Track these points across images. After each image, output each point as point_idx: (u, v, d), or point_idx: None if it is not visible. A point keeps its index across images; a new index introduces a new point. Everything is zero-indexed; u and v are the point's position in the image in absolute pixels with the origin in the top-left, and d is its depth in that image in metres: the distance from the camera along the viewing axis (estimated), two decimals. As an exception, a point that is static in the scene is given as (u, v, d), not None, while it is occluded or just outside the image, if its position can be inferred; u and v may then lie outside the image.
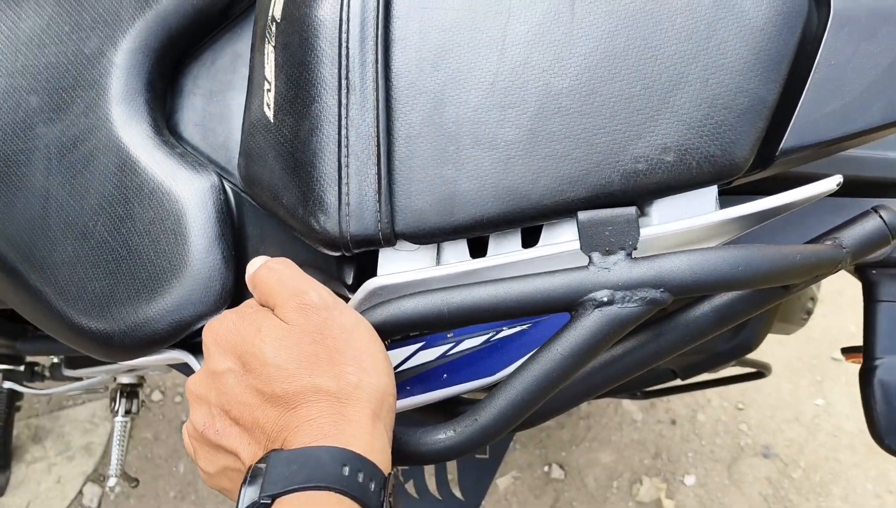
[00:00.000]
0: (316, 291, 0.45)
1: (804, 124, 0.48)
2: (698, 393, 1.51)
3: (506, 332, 0.56)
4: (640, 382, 0.93)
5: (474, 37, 0.51)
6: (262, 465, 0.39)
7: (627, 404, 1.51)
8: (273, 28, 0.56)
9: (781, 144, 0.48)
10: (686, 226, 0.48)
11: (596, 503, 1.41)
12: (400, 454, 0.48)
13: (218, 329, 0.45)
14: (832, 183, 0.48)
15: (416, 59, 0.51)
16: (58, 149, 0.59)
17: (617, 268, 0.46)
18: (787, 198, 0.48)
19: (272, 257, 0.49)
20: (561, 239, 0.50)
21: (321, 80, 0.52)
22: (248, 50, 0.62)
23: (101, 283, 0.57)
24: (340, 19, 0.52)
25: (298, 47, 0.53)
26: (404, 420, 0.50)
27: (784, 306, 0.85)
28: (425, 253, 0.53)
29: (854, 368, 0.67)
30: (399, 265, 0.52)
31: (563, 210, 0.49)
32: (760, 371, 1.02)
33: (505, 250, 0.52)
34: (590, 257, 0.47)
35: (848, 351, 0.75)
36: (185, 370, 0.60)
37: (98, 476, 1.44)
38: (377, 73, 0.51)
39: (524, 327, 0.56)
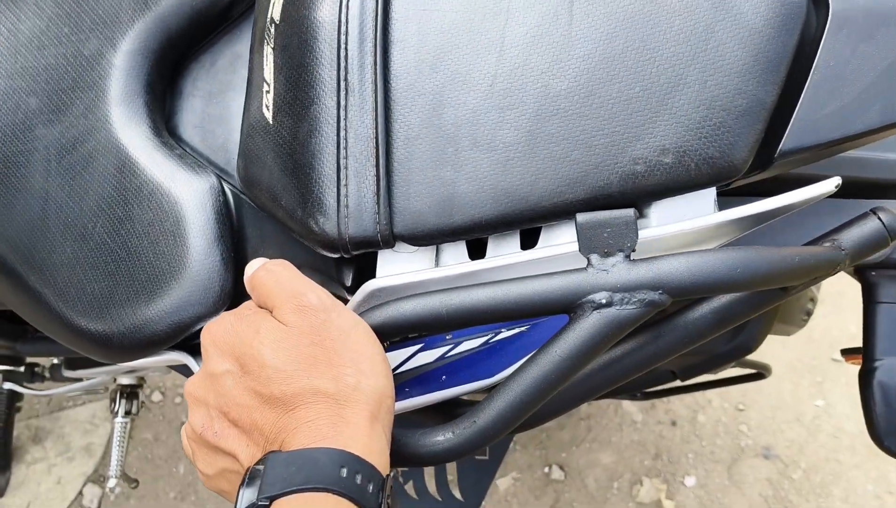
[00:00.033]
0: (314, 292, 0.45)
1: (803, 126, 0.48)
2: (698, 394, 1.51)
3: (504, 334, 0.56)
4: (640, 383, 0.93)
5: (473, 38, 0.51)
6: (261, 467, 0.40)
7: (628, 405, 1.51)
8: (272, 29, 0.56)
9: (780, 146, 0.48)
10: (685, 228, 0.48)
11: (596, 504, 1.41)
12: (398, 455, 0.48)
13: (216, 331, 0.45)
14: (831, 185, 0.48)
15: (414, 61, 0.51)
16: (57, 150, 0.59)
17: (615, 270, 0.46)
18: (786, 200, 0.47)
19: (271, 258, 0.49)
20: (560, 241, 0.50)
21: (320, 81, 0.52)
22: (248, 51, 0.62)
23: (100, 284, 0.57)
24: (339, 21, 0.52)
25: (297, 49, 0.53)
26: (403, 422, 0.50)
27: (784, 307, 0.85)
28: (424, 255, 0.53)
29: (854, 369, 0.67)
30: (398, 267, 0.52)
31: (561, 212, 0.49)
32: (760, 372, 1.02)
33: (504, 252, 0.52)
34: (588, 259, 0.47)
35: (848, 352, 0.75)
36: (185, 371, 0.60)
37: (98, 477, 1.44)
38: (376, 74, 0.51)
39: (523, 329, 0.56)
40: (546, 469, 1.44)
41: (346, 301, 0.54)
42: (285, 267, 0.47)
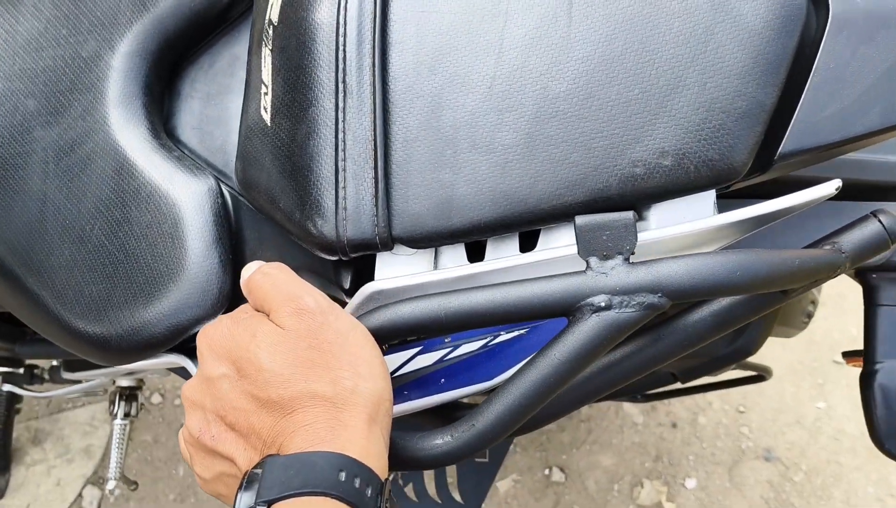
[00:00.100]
0: (311, 295, 0.45)
1: (803, 128, 0.48)
2: (699, 396, 1.51)
3: (503, 337, 0.56)
4: (640, 385, 0.93)
5: (471, 40, 0.50)
6: (258, 470, 0.39)
7: (628, 407, 1.51)
8: (270, 31, 0.56)
9: (780, 148, 0.48)
10: (684, 230, 0.48)
11: (597, 506, 1.41)
12: (397, 459, 0.48)
13: (212, 335, 0.45)
14: (831, 187, 0.47)
15: (413, 63, 0.51)
16: (55, 152, 0.59)
17: (614, 273, 0.45)
18: (787, 202, 0.47)
19: (269, 260, 0.49)
20: (558, 243, 0.50)
21: (318, 83, 0.52)
22: (246, 53, 0.62)
23: (98, 287, 0.57)
24: (337, 23, 0.52)
25: (295, 51, 0.53)
26: (402, 425, 0.49)
27: (784, 309, 0.85)
28: (423, 257, 0.52)
29: (856, 371, 0.67)
30: (396, 270, 0.52)
31: (560, 214, 0.49)
32: (761, 375, 1.01)
33: (502, 255, 0.51)
34: (587, 262, 0.46)
35: (849, 355, 0.75)
36: (183, 374, 0.60)
37: (98, 479, 1.44)
38: (374, 76, 0.51)
39: (522, 332, 0.56)
40: (546, 472, 1.44)
41: (344, 304, 0.54)
42: (282, 270, 0.47)
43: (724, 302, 0.50)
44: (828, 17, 0.47)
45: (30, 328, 0.65)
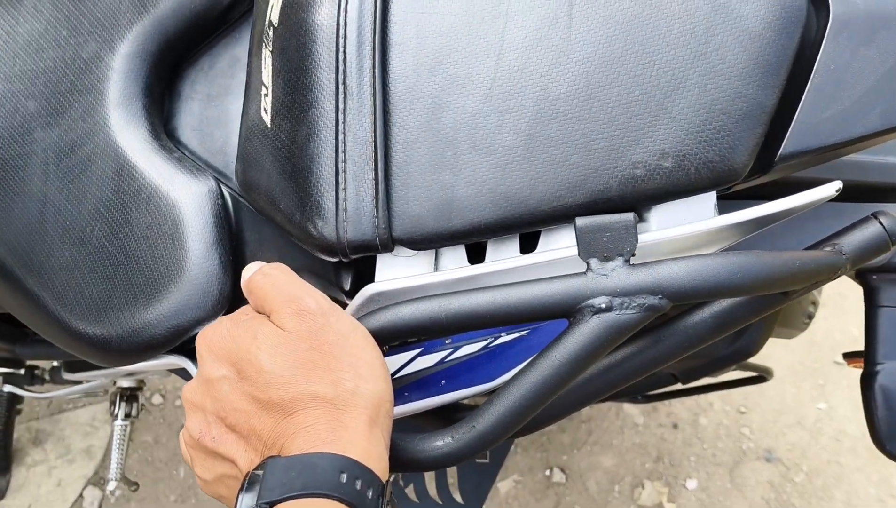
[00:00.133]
0: (312, 297, 0.45)
1: (803, 129, 0.48)
2: (700, 397, 1.51)
3: (504, 338, 0.56)
4: (641, 386, 0.93)
5: (472, 42, 0.50)
6: (259, 472, 0.39)
7: (629, 407, 1.51)
8: (270, 33, 0.56)
9: (780, 150, 0.48)
10: (685, 232, 0.48)
11: (597, 507, 1.41)
12: (398, 460, 0.48)
13: (212, 336, 0.45)
14: (832, 188, 0.47)
15: (413, 64, 0.51)
16: (55, 153, 0.59)
17: (615, 274, 0.45)
18: (787, 204, 0.47)
19: (269, 262, 0.49)
20: (559, 245, 0.50)
21: (318, 85, 0.52)
22: (246, 55, 0.62)
23: (98, 288, 0.57)
24: (338, 24, 0.52)
25: (296, 52, 0.53)
26: (402, 427, 0.49)
27: (785, 310, 0.85)
28: (423, 259, 0.52)
29: (856, 372, 0.67)
30: (397, 271, 0.52)
31: (561, 216, 0.49)
32: (762, 375, 1.01)
33: (503, 256, 0.51)
34: (588, 264, 0.46)
35: (849, 356, 0.75)
36: (184, 375, 0.60)
37: (98, 480, 1.44)
38: (374, 78, 0.51)
39: (522, 333, 0.56)
40: (547, 472, 1.44)
41: (344, 306, 0.54)
42: (282, 271, 0.47)
43: (724, 303, 0.50)
44: (828, 19, 0.47)
45: (30, 329, 0.65)
